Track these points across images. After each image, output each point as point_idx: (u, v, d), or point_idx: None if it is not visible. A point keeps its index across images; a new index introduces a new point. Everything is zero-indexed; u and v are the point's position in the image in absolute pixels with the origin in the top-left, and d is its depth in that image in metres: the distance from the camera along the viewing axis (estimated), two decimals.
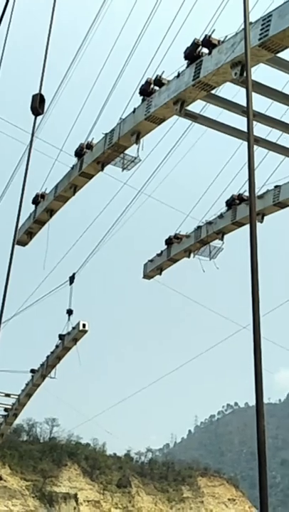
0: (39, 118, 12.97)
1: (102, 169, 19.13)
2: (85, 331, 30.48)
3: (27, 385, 35.73)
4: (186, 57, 15.09)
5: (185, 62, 15.14)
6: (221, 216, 20.77)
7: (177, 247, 22.65)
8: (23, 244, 23.11)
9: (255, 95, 13.26)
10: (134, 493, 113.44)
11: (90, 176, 19.71)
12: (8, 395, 37.46)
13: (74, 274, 27.62)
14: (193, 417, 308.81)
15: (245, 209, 19.58)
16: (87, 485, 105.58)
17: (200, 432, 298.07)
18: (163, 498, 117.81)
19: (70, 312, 29.55)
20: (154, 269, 23.95)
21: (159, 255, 23.62)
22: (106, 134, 18.36)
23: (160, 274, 24.18)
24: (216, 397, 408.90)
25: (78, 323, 30.18)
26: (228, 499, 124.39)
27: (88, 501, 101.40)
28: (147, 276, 24.46)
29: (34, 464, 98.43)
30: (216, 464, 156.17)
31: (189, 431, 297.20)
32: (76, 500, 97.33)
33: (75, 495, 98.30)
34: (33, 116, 10.74)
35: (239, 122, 16.37)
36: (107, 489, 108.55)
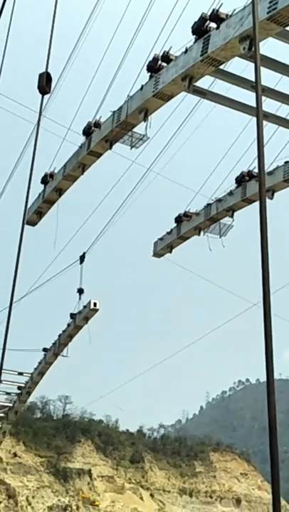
0: (46, 97, 12.91)
1: (110, 147, 19.03)
2: (96, 310, 30.58)
3: (40, 363, 35.99)
4: (193, 33, 14.88)
5: (193, 38, 14.94)
6: (230, 193, 20.65)
7: (187, 225, 22.57)
8: (33, 224, 23.13)
9: (263, 70, 13.13)
10: (147, 468, 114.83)
11: (98, 155, 19.62)
12: (21, 374, 37.78)
13: (84, 254, 27.66)
14: (204, 394, 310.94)
15: (255, 186, 19.45)
16: (101, 461, 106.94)
17: (211, 408, 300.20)
18: (176, 473, 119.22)
19: (80, 291, 29.64)
20: (164, 247, 23.90)
21: (168, 233, 23.55)
22: (114, 112, 18.22)
23: (170, 252, 24.14)
24: (228, 373, 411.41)
25: (89, 302, 30.27)
26: (240, 473, 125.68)
27: (102, 477, 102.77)
28: (157, 254, 24.42)
29: (48, 441, 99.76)
30: (228, 440, 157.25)
31: (201, 407, 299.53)
32: (90, 476, 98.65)
33: (89, 470, 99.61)
34: (40, 96, 10.69)
35: (248, 98, 16.22)
36: (120, 465, 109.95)
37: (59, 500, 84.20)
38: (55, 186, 21.66)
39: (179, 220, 22.73)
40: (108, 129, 18.46)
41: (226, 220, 21.54)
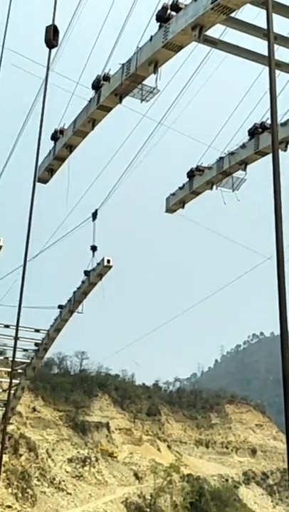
0: (54, 51, 12.63)
1: (120, 101, 18.71)
2: (110, 267, 30.67)
3: (55, 320, 36.37)
4: None
5: None
6: (243, 146, 20.30)
7: (199, 180, 22.31)
8: (44, 181, 22.99)
9: (276, 17, 12.72)
10: (163, 420, 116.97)
11: (108, 109, 19.31)
12: (37, 331, 38.26)
13: (96, 210, 27.58)
14: (219, 348, 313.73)
15: (267, 138, 19.10)
16: (118, 414, 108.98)
17: (226, 361, 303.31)
18: (192, 424, 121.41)
19: (94, 248, 29.68)
20: (176, 202, 23.71)
21: (181, 188, 23.32)
22: (123, 65, 17.84)
23: (183, 207, 23.95)
24: (242, 327, 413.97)
25: (103, 259, 30.35)
26: (256, 425, 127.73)
27: (120, 429, 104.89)
28: (170, 210, 24.24)
29: (66, 396, 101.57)
30: (243, 392, 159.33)
31: (216, 361, 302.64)
32: (108, 429, 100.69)
33: (107, 423, 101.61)
34: (47, 50, 10.47)
35: (260, 47, 15.80)
36: (137, 418, 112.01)
37: (78, 452, 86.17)
38: (65, 142, 21.43)
39: (191, 174, 22.47)
40: (117, 83, 18.12)
41: (239, 173, 21.27)
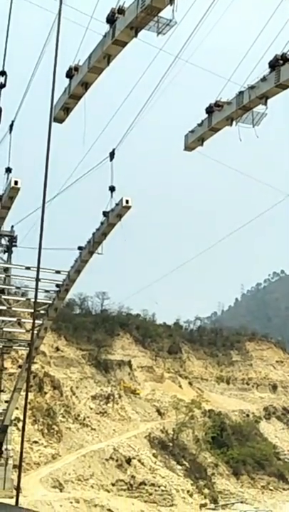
0: None
1: (135, 35, 18.07)
2: (129, 207, 30.45)
3: (76, 261, 36.56)
4: None
5: None
6: (263, 79, 19.59)
7: (218, 116, 21.70)
8: (60, 121, 22.56)
9: None
10: (184, 358, 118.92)
11: (123, 44, 18.68)
12: (58, 272, 38.55)
13: (114, 150, 27.15)
14: (239, 286, 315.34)
15: None
16: (140, 352, 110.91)
17: (247, 299, 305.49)
18: (213, 362, 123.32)
19: (112, 189, 29.42)
20: (195, 140, 23.17)
21: (199, 125, 22.73)
22: None
23: (202, 145, 23.41)
24: (262, 265, 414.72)
25: (121, 200, 30.11)
26: (276, 361, 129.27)
27: (142, 367, 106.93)
28: (189, 147, 23.74)
29: (88, 335, 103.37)
30: (264, 330, 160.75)
31: (236, 299, 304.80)
32: (130, 367, 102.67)
33: (129, 362, 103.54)
34: None
35: None
36: (159, 356, 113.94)
37: (101, 390, 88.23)
38: (80, 80, 20.87)
39: (210, 110, 21.84)
40: (133, 15, 17.45)
41: (259, 108, 20.64)
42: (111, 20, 18.56)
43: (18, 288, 46.12)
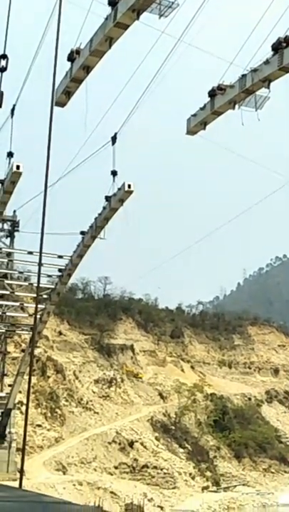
0: None
1: (137, 18, 17.91)
2: (131, 192, 30.37)
3: (78, 246, 36.54)
4: None
5: None
6: (266, 62, 19.45)
7: (221, 99, 21.57)
8: (62, 105, 22.42)
9: None
10: (187, 342, 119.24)
11: (125, 27, 18.52)
12: (60, 257, 38.58)
13: (116, 134, 27.05)
14: (241, 271, 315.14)
15: None
16: (142, 337, 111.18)
17: (249, 284, 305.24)
18: (215, 346, 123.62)
19: (114, 173, 29.32)
20: (197, 123, 23.05)
21: (202, 109, 22.60)
22: None
23: (204, 128, 23.29)
24: (264, 250, 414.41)
25: (123, 184, 30.03)
26: (278, 345, 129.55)
27: (144, 351, 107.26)
28: (191, 131, 23.61)
29: (90, 319, 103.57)
30: (266, 314, 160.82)
31: (238, 283, 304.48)
32: (133, 351, 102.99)
33: (132, 346, 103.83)
34: None
35: None
36: (161, 340, 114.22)
37: (104, 373, 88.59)
38: (82, 63, 20.72)
39: (212, 93, 21.71)
40: None
41: (262, 91, 20.50)
42: (113, 2, 18.40)
43: (20, 273, 46.14)
